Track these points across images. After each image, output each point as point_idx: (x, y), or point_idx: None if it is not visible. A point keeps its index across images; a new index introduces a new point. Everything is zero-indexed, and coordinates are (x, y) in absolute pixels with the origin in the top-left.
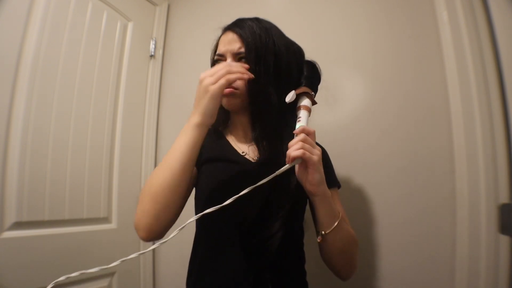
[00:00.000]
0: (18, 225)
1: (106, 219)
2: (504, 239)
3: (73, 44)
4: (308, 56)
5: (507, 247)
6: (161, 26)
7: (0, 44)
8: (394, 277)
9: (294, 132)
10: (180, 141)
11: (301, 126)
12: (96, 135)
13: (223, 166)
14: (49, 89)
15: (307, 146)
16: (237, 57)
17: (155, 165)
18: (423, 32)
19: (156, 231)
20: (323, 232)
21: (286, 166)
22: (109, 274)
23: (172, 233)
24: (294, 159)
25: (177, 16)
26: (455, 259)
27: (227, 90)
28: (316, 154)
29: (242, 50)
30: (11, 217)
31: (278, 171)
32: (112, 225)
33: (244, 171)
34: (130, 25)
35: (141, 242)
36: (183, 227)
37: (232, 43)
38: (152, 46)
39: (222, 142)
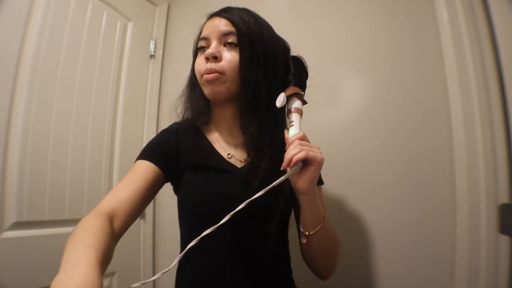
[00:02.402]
0: (18, 225)
1: None
2: (504, 239)
3: (73, 44)
4: (308, 56)
5: (507, 247)
6: (161, 26)
7: (0, 44)
8: (394, 277)
9: (286, 142)
10: None
11: (293, 135)
12: (96, 135)
13: (207, 176)
14: (49, 89)
15: (306, 147)
16: (224, 39)
17: None
18: (423, 32)
19: None
20: (307, 233)
21: (287, 174)
22: (109, 274)
23: (174, 261)
24: (296, 163)
25: (177, 16)
26: (455, 259)
27: (211, 75)
28: (319, 153)
29: (232, 29)
30: (11, 217)
31: (277, 180)
32: None
33: (231, 179)
34: (130, 25)
35: (141, 241)
36: (183, 253)
37: (219, 26)
38: (152, 46)
39: (203, 144)
